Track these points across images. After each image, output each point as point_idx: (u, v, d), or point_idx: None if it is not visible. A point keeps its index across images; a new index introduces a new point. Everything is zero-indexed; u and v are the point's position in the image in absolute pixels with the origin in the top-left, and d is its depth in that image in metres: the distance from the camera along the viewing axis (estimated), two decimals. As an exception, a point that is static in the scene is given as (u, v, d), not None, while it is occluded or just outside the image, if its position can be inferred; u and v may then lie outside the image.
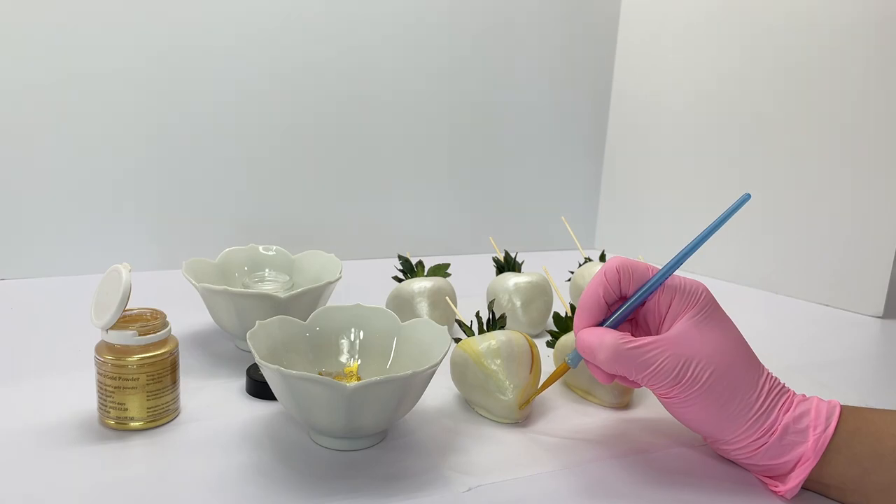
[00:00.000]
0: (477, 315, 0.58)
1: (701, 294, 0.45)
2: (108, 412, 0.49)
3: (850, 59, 0.85)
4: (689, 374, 0.43)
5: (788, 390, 0.46)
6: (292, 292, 0.61)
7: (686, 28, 1.03)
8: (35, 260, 0.86)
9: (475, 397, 0.54)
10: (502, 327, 0.57)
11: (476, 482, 0.45)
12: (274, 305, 0.59)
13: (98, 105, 0.86)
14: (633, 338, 0.44)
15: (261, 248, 0.74)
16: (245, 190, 0.96)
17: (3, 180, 0.83)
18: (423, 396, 0.51)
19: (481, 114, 1.08)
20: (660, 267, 0.47)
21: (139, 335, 0.49)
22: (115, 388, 0.49)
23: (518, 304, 0.73)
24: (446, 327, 0.52)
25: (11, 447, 0.47)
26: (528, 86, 1.10)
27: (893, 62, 0.82)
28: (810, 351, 0.74)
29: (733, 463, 0.49)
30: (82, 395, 0.53)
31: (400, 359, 0.55)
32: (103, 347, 0.49)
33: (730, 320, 0.46)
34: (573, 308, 0.61)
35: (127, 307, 0.49)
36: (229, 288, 0.61)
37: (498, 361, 0.53)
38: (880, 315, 0.85)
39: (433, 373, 0.48)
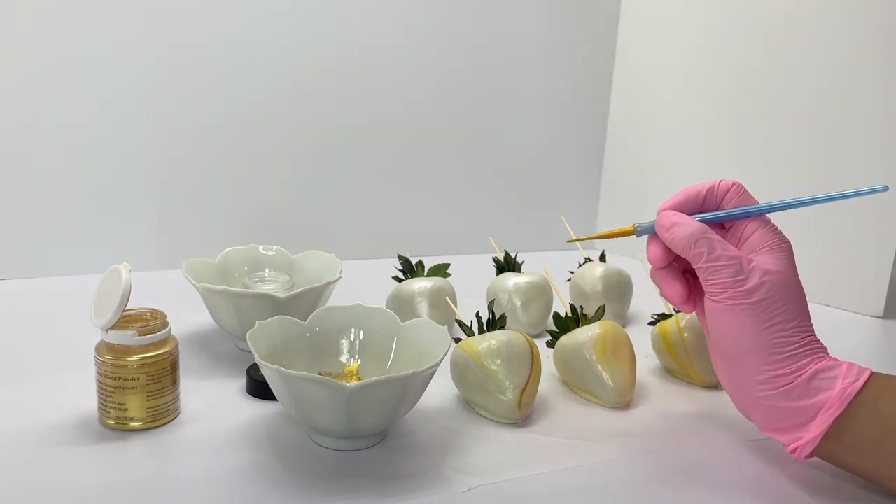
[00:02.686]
0: (477, 315, 0.58)
1: (784, 241, 0.47)
2: (108, 412, 0.49)
3: (851, 59, 0.85)
4: (752, 281, 0.44)
5: (825, 351, 0.46)
6: (292, 292, 0.61)
7: (686, 28, 1.03)
8: (35, 260, 0.86)
9: (475, 397, 0.54)
10: (502, 327, 0.57)
11: (476, 482, 0.45)
12: (274, 305, 0.59)
13: (98, 105, 0.86)
14: (717, 235, 0.46)
15: (261, 248, 0.74)
16: (245, 190, 0.96)
17: (2, 180, 0.83)
18: (423, 396, 0.51)
19: (481, 114, 1.08)
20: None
21: (139, 335, 0.49)
22: (115, 388, 0.49)
23: (518, 304, 0.73)
24: (446, 327, 0.52)
25: (11, 447, 0.47)
26: (528, 85, 1.10)
27: (894, 62, 0.82)
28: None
29: (733, 464, 0.49)
30: (82, 395, 0.53)
31: (400, 359, 0.55)
32: (103, 347, 0.49)
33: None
34: (573, 308, 0.61)
35: (127, 307, 0.49)
36: (229, 288, 0.61)
37: (498, 361, 0.53)
38: (880, 315, 0.85)
39: (433, 373, 0.48)
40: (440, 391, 0.58)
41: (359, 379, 0.54)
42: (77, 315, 0.58)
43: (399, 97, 1.02)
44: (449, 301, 0.67)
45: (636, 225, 0.50)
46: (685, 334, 0.62)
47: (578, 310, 0.61)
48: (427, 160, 1.07)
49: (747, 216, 0.48)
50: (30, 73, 0.82)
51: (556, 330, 0.61)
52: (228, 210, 0.95)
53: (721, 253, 0.45)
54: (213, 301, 0.62)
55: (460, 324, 0.58)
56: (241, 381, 0.59)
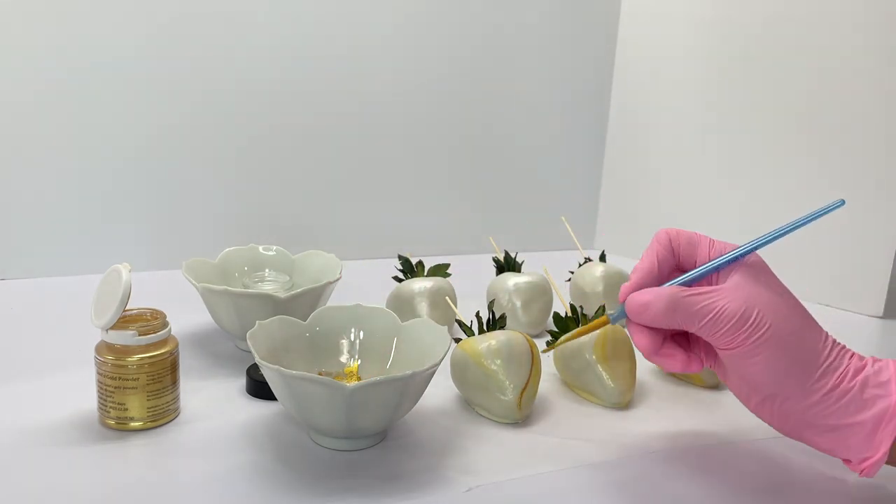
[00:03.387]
0: (477, 315, 0.58)
1: (751, 255, 0.45)
2: (109, 412, 0.49)
3: (851, 59, 0.85)
4: (752, 318, 0.41)
5: (851, 350, 0.44)
6: (292, 292, 0.61)
7: (687, 28, 1.03)
8: (35, 260, 0.86)
9: (475, 397, 0.54)
10: (502, 327, 0.57)
11: (476, 482, 0.45)
12: (274, 305, 0.59)
13: (98, 105, 0.86)
14: (689, 288, 0.44)
15: (261, 248, 0.74)
16: (245, 190, 0.96)
17: (2, 180, 0.83)
18: (423, 396, 0.51)
19: (481, 114, 1.08)
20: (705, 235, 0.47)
21: (139, 335, 0.49)
22: (115, 388, 0.49)
23: (518, 304, 0.73)
24: (446, 327, 0.52)
25: (11, 447, 0.47)
26: (528, 85, 1.10)
27: (895, 62, 0.82)
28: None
29: (733, 464, 0.49)
30: (82, 395, 0.53)
31: (400, 359, 0.55)
32: (103, 347, 0.49)
33: (780, 281, 0.45)
34: (573, 308, 0.61)
35: (127, 307, 0.49)
36: (229, 288, 0.61)
37: (498, 361, 0.53)
38: (880, 315, 0.85)
39: (433, 373, 0.48)
40: (440, 391, 0.58)
41: (359, 379, 0.54)
42: (77, 315, 0.58)
43: (399, 97, 1.02)
44: (449, 301, 0.67)
45: (609, 313, 0.48)
46: None
47: (578, 310, 0.61)
48: (427, 160, 1.06)
49: (717, 269, 0.45)
50: (30, 74, 0.82)
51: (556, 330, 0.61)
52: (228, 210, 0.95)
53: (706, 305, 0.42)
54: (213, 301, 0.62)
55: (460, 324, 0.58)
56: (241, 381, 0.59)
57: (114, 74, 0.86)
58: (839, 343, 0.44)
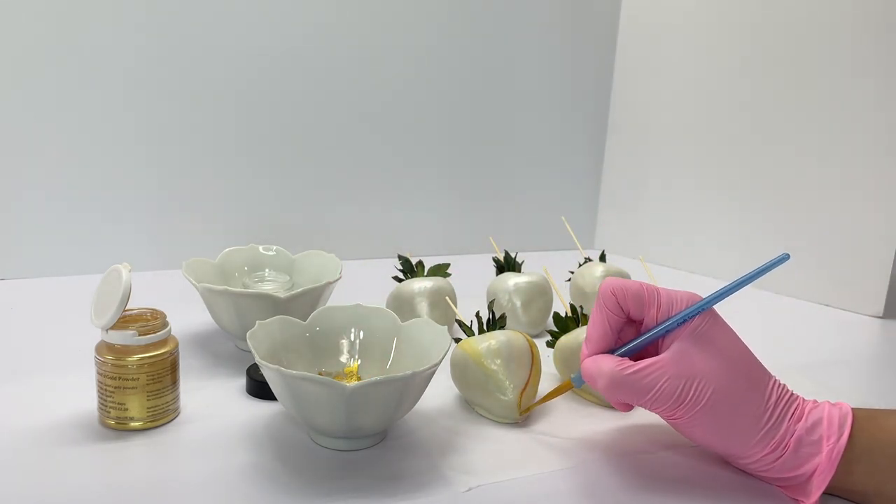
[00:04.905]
0: (477, 315, 0.58)
1: (689, 301, 0.45)
2: (108, 412, 0.49)
3: (852, 58, 0.85)
4: (690, 395, 0.43)
5: (797, 398, 0.45)
6: (292, 292, 0.61)
7: (686, 28, 1.03)
8: (35, 260, 0.86)
9: (475, 397, 0.54)
10: (502, 327, 0.57)
11: (476, 482, 0.45)
12: (274, 305, 0.59)
13: (98, 105, 0.86)
14: (631, 363, 0.44)
15: (261, 248, 0.74)
16: (245, 190, 0.96)
17: (2, 180, 0.83)
18: (423, 396, 0.51)
19: (481, 114, 1.08)
20: (648, 282, 0.47)
21: (139, 335, 0.49)
22: (115, 388, 0.49)
23: (518, 304, 0.73)
24: (446, 327, 0.52)
25: (11, 447, 0.47)
26: (528, 85, 1.10)
27: (895, 61, 0.82)
28: (811, 351, 0.74)
29: (733, 464, 0.49)
30: (82, 395, 0.53)
31: (400, 359, 0.55)
32: (103, 347, 0.49)
33: (731, 331, 0.46)
34: (573, 308, 0.61)
35: (127, 307, 0.49)
36: (229, 288, 0.61)
37: (498, 361, 0.53)
38: (880, 315, 0.85)
39: (433, 373, 0.48)
40: (440, 391, 0.58)
41: (359, 379, 0.54)
42: (77, 315, 0.58)
43: (399, 97, 1.02)
44: (449, 301, 0.67)
45: (572, 376, 0.50)
46: None
47: (578, 310, 0.61)
48: (427, 160, 1.07)
49: (666, 331, 0.45)
50: (30, 74, 0.82)
51: (556, 330, 0.61)
52: (228, 210, 0.95)
53: (647, 384, 0.43)
54: (213, 301, 0.62)
55: (460, 324, 0.58)
56: (241, 381, 0.59)
57: (114, 74, 0.86)
58: (786, 391, 0.45)
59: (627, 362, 0.44)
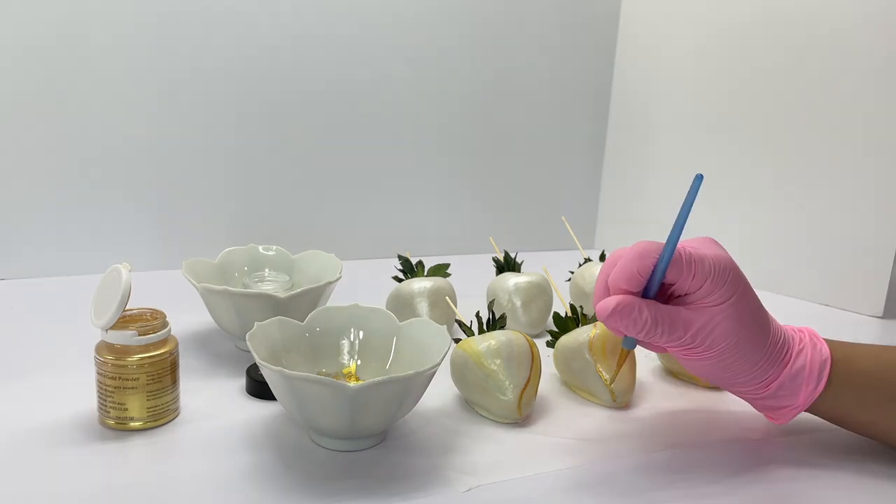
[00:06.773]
0: (477, 315, 0.58)
1: (729, 275, 0.46)
2: (108, 412, 0.49)
3: (851, 58, 0.85)
4: (706, 344, 0.46)
5: (788, 343, 0.48)
6: (292, 292, 0.61)
7: (686, 28, 1.03)
8: (35, 260, 0.86)
9: (475, 397, 0.54)
10: (502, 327, 0.57)
11: (476, 482, 0.45)
12: (274, 305, 0.59)
13: (98, 104, 0.86)
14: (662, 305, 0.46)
15: (261, 248, 0.74)
16: (245, 190, 0.96)
17: (2, 180, 0.83)
18: (423, 396, 0.51)
19: (481, 114, 1.08)
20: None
21: (139, 335, 0.49)
22: (115, 388, 0.49)
23: (518, 304, 0.73)
24: (446, 327, 0.52)
25: (11, 447, 0.47)
26: (528, 85, 1.10)
27: (895, 61, 0.82)
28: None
29: (732, 464, 0.49)
30: (82, 395, 0.53)
31: (400, 359, 0.55)
32: (103, 347, 0.49)
33: (752, 292, 0.47)
34: (573, 308, 0.61)
35: (127, 307, 0.49)
36: (229, 288, 0.61)
37: (498, 361, 0.53)
38: (880, 315, 0.85)
39: (434, 373, 0.48)
40: (440, 391, 0.58)
41: (357, 379, 0.54)
42: (77, 315, 0.58)
43: (400, 98, 1.02)
44: (449, 301, 0.67)
45: (622, 344, 0.50)
46: None
47: (578, 310, 0.61)
48: (427, 160, 1.06)
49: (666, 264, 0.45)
50: (29, 74, 0.82)
51: (556, 330, 0.61)
52: (228, 210, 0.95)
53: (676, 332, 0.45)
54: (213, 301, 0.62)
55: (460, 324, 0.58)
56: (241, 381, 0.59)
57: (114, 74, 0.86)
58: (779, 338, 0.48)
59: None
